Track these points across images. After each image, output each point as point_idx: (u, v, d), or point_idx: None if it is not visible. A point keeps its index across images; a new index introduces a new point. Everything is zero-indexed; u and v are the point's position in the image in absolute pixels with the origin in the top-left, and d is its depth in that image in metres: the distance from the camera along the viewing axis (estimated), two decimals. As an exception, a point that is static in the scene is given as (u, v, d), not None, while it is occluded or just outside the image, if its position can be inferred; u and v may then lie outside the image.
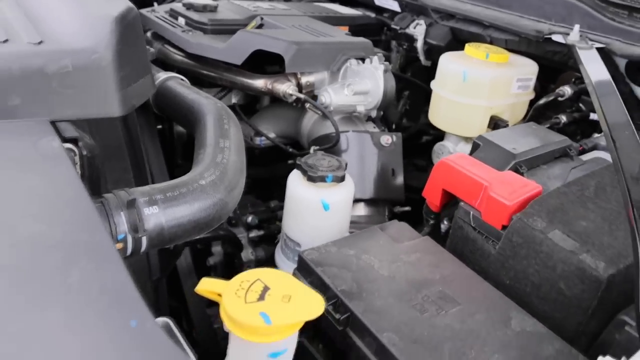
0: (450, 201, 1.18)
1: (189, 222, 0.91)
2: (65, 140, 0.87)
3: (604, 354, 0.74)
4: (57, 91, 0.90)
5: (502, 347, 0.83)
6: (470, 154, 1.19)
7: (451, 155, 1.16)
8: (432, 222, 1.23)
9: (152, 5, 2.15)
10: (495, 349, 0.83)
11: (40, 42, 0.94)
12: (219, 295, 0.77)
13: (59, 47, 0.92)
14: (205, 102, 1.21)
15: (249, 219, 1.60)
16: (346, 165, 1.15)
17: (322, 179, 1.10)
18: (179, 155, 1.69)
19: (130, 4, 1.04)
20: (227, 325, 0.73)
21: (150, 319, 0.59)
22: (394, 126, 1.72)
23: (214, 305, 0.99)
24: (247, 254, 1.55)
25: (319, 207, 1.10)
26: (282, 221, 1.23)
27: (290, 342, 0.76)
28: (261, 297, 0.74)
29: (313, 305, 0.74)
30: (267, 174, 1.81)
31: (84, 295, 0.60)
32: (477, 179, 1.07)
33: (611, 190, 1.06)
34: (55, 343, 0.54)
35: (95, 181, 0.98)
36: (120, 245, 0.87)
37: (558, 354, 0.84)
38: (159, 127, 1.61)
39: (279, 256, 1.27)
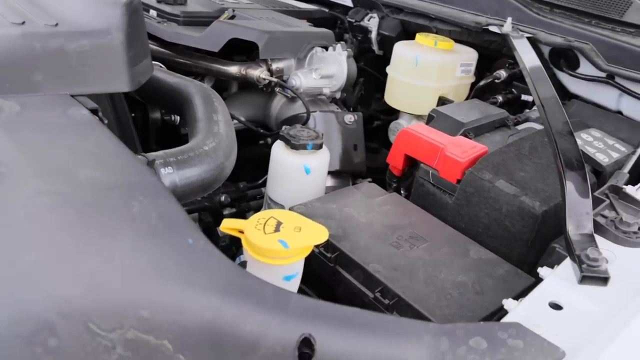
0: (410, 168, 1.38)
1: (197, 182, 1.06)
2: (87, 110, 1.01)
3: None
4: (76, 68, 1.02)
5: (464, 270, 1.04)
6: (426, 123, 1.40)
7: (412, 125, 1.36)
8: (395, 185, 1.43)
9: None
10: (459, 272, 1.03)
11: (56, 24, 1.06)
12: (240, 232, 0.93)
13: (77, 29, 1.04)
14: (191, 85, 1.36)
15: (222, 197, 1.74)
16: (322, 135, 1.33)
17: (304, 147, 1.27)
18: (153, 141, 1.82)
19: None
20: (251, 254, 0.90)
21: (203, 237, 0.73)
22: (351, 109, 1.91)
23: None
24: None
25: (301, 172, 1.27)
26: (266, 187, 1.39)
27: (299, 267, 0.94)
28: (277, 229, 0.91)
29: (320, 233, 0.92)
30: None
31: (146, 222, 0.73)
32: (434, 143, 1.28)
33: (542, 149, 1.29)
34: (129, 261, 0.65)
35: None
36: None
37: (507, 274, 1.05)
38: (132, 115, 1.74)
39: (263, 218, 1.43)
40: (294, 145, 1.28)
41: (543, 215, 1.09)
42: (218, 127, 1.19)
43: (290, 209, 1.18)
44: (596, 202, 1.02)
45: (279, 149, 1.32)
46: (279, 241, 0.89)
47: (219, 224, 1.71)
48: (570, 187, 0.99)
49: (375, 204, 1.23)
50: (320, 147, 1.30)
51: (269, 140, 1.81)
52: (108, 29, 1.06)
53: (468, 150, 1.25)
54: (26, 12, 1.11)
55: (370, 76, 2.06)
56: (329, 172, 1.59)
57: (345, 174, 1.64)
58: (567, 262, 0.89)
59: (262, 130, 1.72)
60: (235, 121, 1.79)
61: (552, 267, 0.93)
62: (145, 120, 1.84)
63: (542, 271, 0.91)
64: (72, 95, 1.04)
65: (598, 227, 0.94)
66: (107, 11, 1.09)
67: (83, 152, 0.86)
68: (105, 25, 1.06)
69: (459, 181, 1.22)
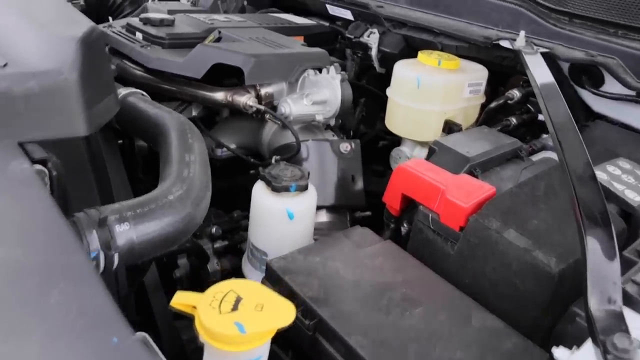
0: (410, 205, 1.23)
1: (159, 237, 0.93)
2: (34, 161, 0.89)
3: (558, 346, 0.79)
4: (24, 113, 0.91)
5: (464, 345, 0.88)
6: (427, 158, 1.24)
7: (409, 160, 1.20)
8: (392, 226, 1.27)
9: (108, 20, 2.15)
10: (458, 347, 0.87)
11: (4, 65, 0.94)
12: (194, 307, 0.79)
13: (24, 70, 0.92)
14: (168, 117, 1.23)
15: (213, 229, 1.61)
16: (308, 174, 1.18)
17: (286, 189, 1.13)
18: (140, 169, 1.69)
19: (93, 24, 1.05)
20: (203, 337, 0.76)
21: (130, 336, 0.61)
22: (351, 133, 1.76)
23: (181, 318, 1.01)
24: (212, 265, 1.57)
25: (284, 217, 1.13)
26: (248, 231, 1.25)
27: (264, 350, 0.79)
28: (235, 307, 0.77)
29: (285, 312, 0.77)
30: (228, 185, 1.83)
31: (63, 316, 0.61)
32: (434, 183, 1.12)
33: (560, 189, 1.12)
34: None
35: (64, 200, 0.99)
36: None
37: (516, 348, 0.89)
38: (120, 142, 1.61)
39: (246, 266, 1.30)
40: (275, 187, 1.13)
41: (560, 274, 0.92)
42: (189, 170, 1.06)
43: (268, 263, 1.03)
44: (626, 263, 0.85)
45: (259, 191, 1.17)
46: (235, 324, 0.74)
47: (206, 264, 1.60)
48: (592, 246, 0.83)
49: (366, 255, 1.08)
50: (305, 188, 1.15)
51: (261, 170, 1.67)
52: (59, 69, 0.94)
53: (473, 192, 1.09)
54: None
55: (374, 95, 1.91)
56: (324, 207, 1.45)
57: (342, 208, 1.49)
58: (589, 345, 0.74)
59: (252, 160, 1.58)
60: (224, 149, 1.67)
61: (570, 343, 0.77)
62: (132, 148, 1.72)
63: (558, 353, 0.75)
64: (20, 143, 0.92)
65: (629, 299, 0.78)
66: (59, 48, 0.97)
67: (8, 222, 0.75)
68: (56, 64, 0.95)
69: (462, 229, 1.06)
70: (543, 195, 1.10)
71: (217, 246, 1.59)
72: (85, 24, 1.03)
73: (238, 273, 1.40)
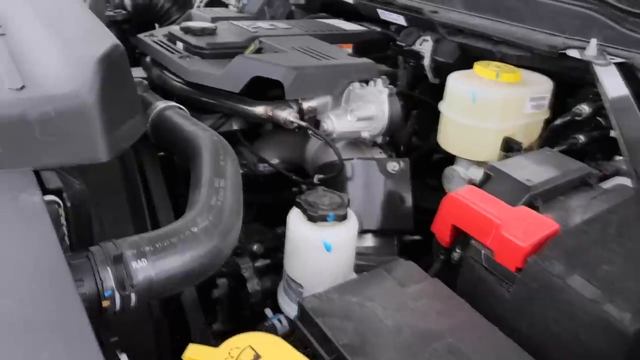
0: (462, 235, 1.11)
1: (180, 274, 0.86)
2: (48, 191, 0.83)
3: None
4: (40, 139, 0.86)
5: (519, 412, 0.76)
6: (481, 185, 1.12)
7: (461, 188, 1.08)
8: (442, 257, 1.15)
9: (154, 27, 2.11)
10: (511, 415, 0.75)
11: (22, 87, 0.89)
12: (206, 365, 0.71)
13: (41, 93, 0.88)
14: (202, 136, 1.16)
15: (255, 247, 1.54)
16: (349, 201, 1.08)
17: (323, 218, 1.03)
18: (182, 184, 1.63)
19: (115, 42, 0.98)
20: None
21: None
22: (402, 148, 1.64)
23: (221, 337, 0.93)
24: (252, 284, 1.49)
25: (320, 248, 1.03)
26: (284, 260, 1.16)
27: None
28: (251, 367, 0.68)
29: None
30: (273, 200, 1.75)
31: None
32: (488, 217, 1.00)
33: (636, 226, 0.97)
34: None
35: (84, 230, 0.93)
36: (107, 303, 0.81)
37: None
38: (161, 154, 1.56)
39: (281, 296, 1.21)
40: (311, 216, 1.03)
41: (637, 334, 0.79)
42: (217, 197, 0.98)
43: (301, 302, 0.94)
44: None
45: (294, 219, 1.08)
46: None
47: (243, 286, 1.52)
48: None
49: (409, 295, 0.97)
50: (344, 217, 1.05)
51: (304, 187, 1.58)
52: (77, 92, 0.89)
53: (533, 228, 0.96)
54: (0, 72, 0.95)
55: (428, 105, 1.78)
56: (370, 231, 1.35)
57: (389, 232, 1.38)
58: None
59: (294, 177, 1.49)
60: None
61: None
62: (173, 161, 1.67)
63: None
64: (36, 171, 0.87)
65: None
66: (77, 69, 0.91)
67: (5, 265, 0.69)
68: (74, 87, 0.89)
69: (519, 270, 0.94)
70: (616, 232, 0.96)
71: (259, 265, 1.51)
72: (107, 41, 0.96)
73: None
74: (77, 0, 1.25)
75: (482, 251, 1.00)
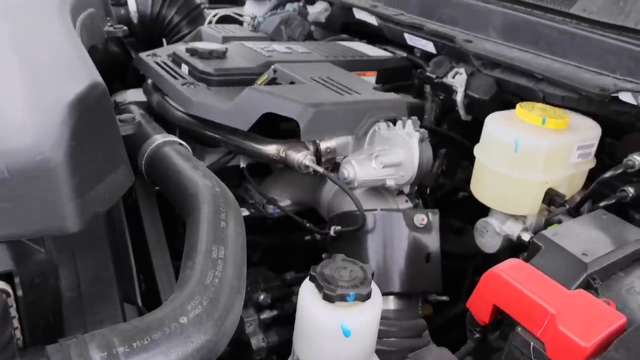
0: (502, 316, 0.95)
1: None
2: None
3: None
4: None
5: None
6: (528, 259, 0.96)
7: (504, 263, 0.92)
8: (477, 335, 1.00)
9: (162, 43, 1.97)
10: None
11: None
12: None
13: None
14: (202, 185, 1.00)
15: (261, 297, 1.39)
16: (373, 275, 0.92)
17: (342, 298, 0.87)
18: (180, 222, 1.48)
19: (94, 80, 0.81)
20: None
21: None
22: (428, 190, 1.48)
23: None
24: (257, 340, 1.34)
25: (337, 333, 0.87)
26: (293, 339, 1.00)
27: None
28: None
29: None
30: (281, 242, 1.60)
31: None
32: (539, 302, 0.84)
33: None
34: None
35: (47, 315, 0.78)
36: None
37: None
38: (157, 188, 1.41)
39: (290, 379, 1.04)
40: (327, 295, 0.87)
41: None
42: (215, 273, 0.82)
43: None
44: None
45: (307, 295, 0.91)
46: None
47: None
48: None
49: (444, 397, 0.81)
50: (367, 297, 0.89)
51: (317, 236, 1.43)
52: (38, 147, 0.71)
53: (595, 322, 0.80)
54: None
55: (456, 142, 1.62)
56: (393, 293, 1.19)
57: (413, 295, 1.22)
58: None
59: (308, 225, 1.33)
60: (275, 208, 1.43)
61: None
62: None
63: None
64: None
65: None
66: (41, 117, 0.74)
67: None
68: (35, 140, 0.71)
69: (578, 372, 0.78)
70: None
71: (264, 317, 1.36)
72: (83, 79, 0.80)
73: (287, 347, 1.15)
74: (64, 19, 1.09)
75: (532, 343, 0.84)
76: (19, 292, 0.70)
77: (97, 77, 0.83)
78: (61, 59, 0.90)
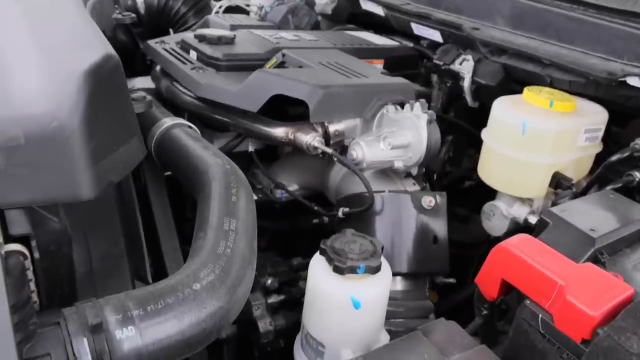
0: (511, 290, 0.96)
1: (176, 344, 0.71)
2: (11, 239, 0.68)
3: None
4: (7, 171, 0.70)
5: None
6: (536, 234, 0.96)
7: (513, 238, 0.93)
8: (485, 312, 1.00)
9: (169, 32, 1.98)
10: None
11: None
12: None
13: (8, 112, 0.70)
14: (212, 163, 1.01)
15: (268, 281, 1.39)
16: (382, 248, 0.93)
17: (353, 270, 0.88)
18: (189, 207, 1.49)
19: (108, 52, 0.82)
20: None
21: None
22: (435, 176, 1.49)
23: None
24: (264, 324, 1.34)
25: (348, 305, 0.88)
26: (303, 313, 1.01)
27: None
28: None
29: None
30: (288, 226, 1.61)
31: None
32: (548, 275, 0.84)
33: None
34: None
35: (62, 282, 0.78)
36: None
37: None
38: (167, 173, 1.42)
39: (298, 352, 1.05)
40: (337, 267, 0.88)
41: None
42: (226, 243, 0.82)
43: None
44: None
45: (318, 268, 0.93)
46: None
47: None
48: None
49: (452, 367, 0.82)
50: (377, 269, 0.90)
51: (325, 219, 1.43)
52: (54, 113, 0.71)
53: (603, 292, 0.81)
54: None
55: (462, 129, 1.63)
56: (400, 274, 1.20)
57: (421, 276, 1.23)
58: None
59: (316, 208, 1.34)
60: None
61: None
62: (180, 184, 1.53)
63: None
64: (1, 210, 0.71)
65: None
66: (57, 85, 0.75)
67: None
68: (51, 106, 0.72)
69: (585, 341, 0.79)
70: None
71: (272, 301, 1.37)
72: (98, 51, 0.81)
73: (294, 331, 1.16)
74: (75, 1, 1.10)
75: (540, 315, 0.85)
76: (36, 255, 0.71)
77: (111, 49, 0.84)
78: (76, 32, 0.92)
